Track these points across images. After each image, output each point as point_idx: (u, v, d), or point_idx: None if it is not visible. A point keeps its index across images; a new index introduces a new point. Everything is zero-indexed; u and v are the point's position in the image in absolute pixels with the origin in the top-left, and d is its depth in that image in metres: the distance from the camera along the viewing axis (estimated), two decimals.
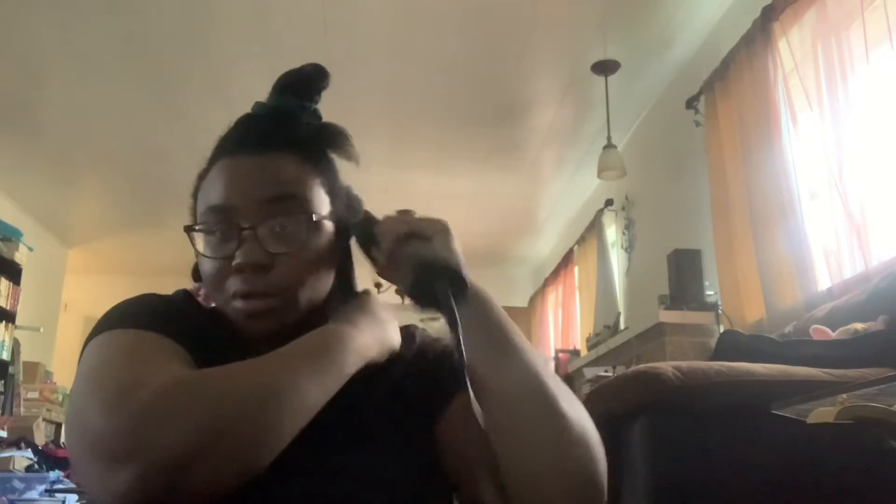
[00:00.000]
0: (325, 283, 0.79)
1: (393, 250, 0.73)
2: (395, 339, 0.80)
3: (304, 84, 0.82)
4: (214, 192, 0.76)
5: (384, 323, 0.79)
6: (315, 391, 0.65)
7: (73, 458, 0.62)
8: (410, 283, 0.70)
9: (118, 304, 0.75)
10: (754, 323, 2.82)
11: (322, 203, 0.78)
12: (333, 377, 0.68)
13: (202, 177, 0.79)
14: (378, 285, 0.80)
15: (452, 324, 0.69)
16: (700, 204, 3.50)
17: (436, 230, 0.73)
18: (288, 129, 0.79)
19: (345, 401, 0.70)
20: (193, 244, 0.77)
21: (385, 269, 0.76)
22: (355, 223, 0.81)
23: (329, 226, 0.79)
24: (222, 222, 0.75)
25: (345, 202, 0.83)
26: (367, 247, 0.79)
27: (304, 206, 0.76)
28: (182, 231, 0.78)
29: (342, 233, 0.81)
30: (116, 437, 0.57)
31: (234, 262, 0.73)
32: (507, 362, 0.71)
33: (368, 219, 0.81)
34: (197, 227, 0.77)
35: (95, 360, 0.67)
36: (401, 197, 5.73)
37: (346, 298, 0.83)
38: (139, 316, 0.72)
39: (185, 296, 0.81)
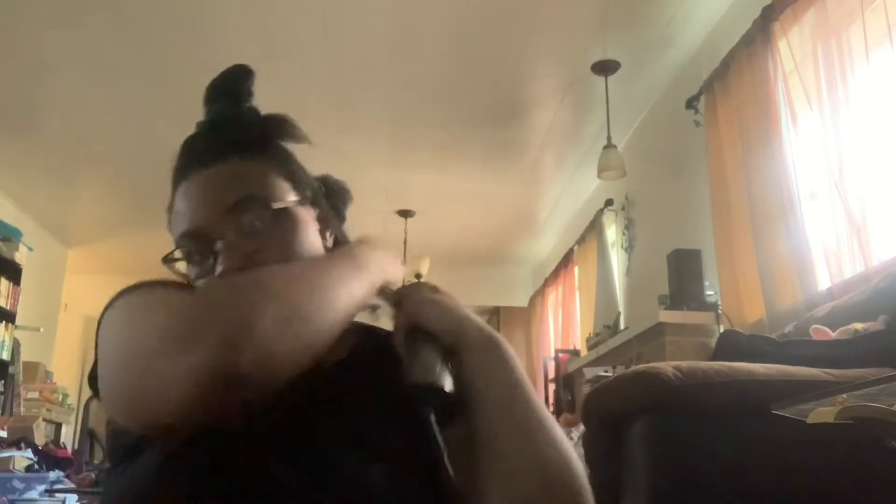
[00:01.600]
0: None
1: (410, 331, 0.76)
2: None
3: (229, 87, 0.83)
4: (180, 219, 0.77)
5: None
6: (349, 291, 0.69)
7: (114, 386, 0.63)
8: (409, 387, 0.72)
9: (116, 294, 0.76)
10: (754, 323, 2.82)
11: (283, 191, 0.78)
12: (363, 283, 0.72)
13: (169, 209, 0.81)
14: (374, 308, 0.82)
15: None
16: (700, 204, 3.50)
17: (446, 325, 0.75)
18: (227, 134, 0.80)
19: (350, 406, 0.72)
20: (173, 273, 0.78)
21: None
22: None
23: (300, 211, 0.79)
24: (196, 245, 0.76)
25: (311, 184, 0.84)
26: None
27: (263, 200, 0.76)
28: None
29: (321, 214, 0.82)
30: (184, 323, 0.58)
31: (216, 274, 0.74)
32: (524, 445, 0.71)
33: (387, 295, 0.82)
34: (174, 258, 0.78)
35: (127, 309, 0.69)
36: (401, 197, 5.75)
37: None
38: (147, 284, 0.74)
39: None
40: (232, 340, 0.55)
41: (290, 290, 0.63)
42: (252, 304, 0.58)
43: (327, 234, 0.83)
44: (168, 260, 0.77)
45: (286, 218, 0.77)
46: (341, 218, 0.90)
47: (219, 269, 0.74)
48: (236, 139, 0.79)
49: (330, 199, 0.88)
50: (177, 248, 0.77)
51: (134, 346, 0.61)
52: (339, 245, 0.84)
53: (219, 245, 0.74)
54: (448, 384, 0.71)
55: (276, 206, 0.76)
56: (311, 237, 0.79)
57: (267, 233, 0.75)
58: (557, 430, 0.72)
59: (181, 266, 0.78)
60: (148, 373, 0.57)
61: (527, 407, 0.72)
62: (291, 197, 0.79)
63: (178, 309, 0.60)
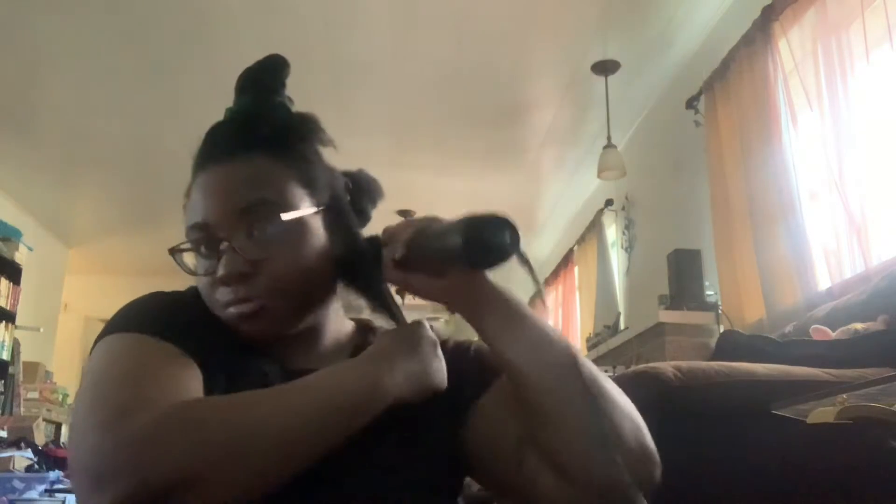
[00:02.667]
0: (320, 275, 0.78)
1: (412, 241, 0.71)
2: (438, 380, 0.75)
3: (262, 78, 0.82)
4: (192, 210, 0.77)
5: (427, 359, 0.75)
6: (322, 441, 0.65)
7: (69, 470, 0.64)
8: (461, 248, 0.65)
9: (127, 304, 0.75)
10: (754, 323, 2.81)
11: (298, 199, 0.77)
12: (345, 427, 0.67)
13: (186, 194, 0.80)
14: (402, 294, 0.79)
15: (526, 265, 0.68)
16: (700, 204, 3.50)
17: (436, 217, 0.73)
18: (253, 129, 0.78)
19: None
20: (179, 264, 0.77)
21: (405, 276, 0.73)
22: (356, 254, 0.79)
23: (312, 219, 0.78)
24: (202, 239, 0.76)
25: (331, 189, 0.82)
26: (378, 264, 0.76)
27: (275, 209, 0.75)
28: (182, 231, 0.79)
29: (335, 220, 0.80)
30: (104, 458, 0.57)
31: (217, 276, 0.74)
32: (537, 346, 0.71)
33: (369, 240, 0.79)
34: (181, 247, 0.77)
35: (99, 367, 0.67)
36: (401, 197, 5.75)
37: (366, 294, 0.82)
38: (147, 320, 0.72)
39: (196, 293, 0.80)
40: (150, 499, 0.56)
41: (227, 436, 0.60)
42: (171, 452, 0.57)
43: (336, 240, 0.81)
44: (175, 251, 0.77)
45: (296, 229, 0.76)
46: (365, 217, 0.87)
47: (220, 271, 0.73)
48: (260, 135, 0.78)
49: (356, 196, 0.86)
50: (186, 241, 0.77)
51: (76, 451, 0.61)
52: (348, 247, 0.81)
53: (224, 246, 0.74)
54: None
55: (288, 217, 0.75)
56: (318, 248, 0.77)
57: (275, 242, 0.74)
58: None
59: (188, 258, 0.78)
60: (77, 493, 0.60)
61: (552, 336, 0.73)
62: (306, 205, 0.77)
63: (113, 434, 0.59)
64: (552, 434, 0.69)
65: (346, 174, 0.87)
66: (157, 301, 0.76)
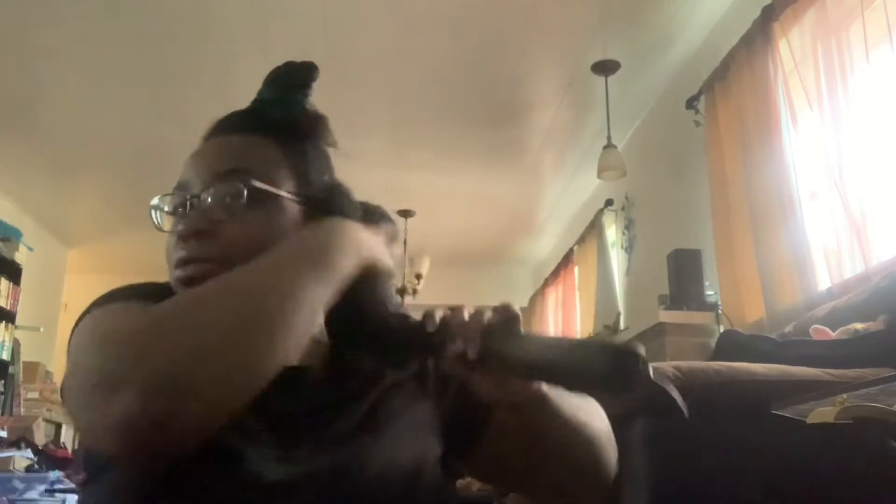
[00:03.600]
0: None
1: (490, 345, 0.65)
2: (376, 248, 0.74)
3: (288, 76, 0.82)
4: (181, 175, 0.78)
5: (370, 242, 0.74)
6: (309, 301, 0.63)
7: (72, 408, 0.62)
8: (607, 374, 0.61)
9: (98, 297, 0.76)
10: (754, 323, 2.81)
11: (281, 180, 0.76)
12: (330, 282, 0.66)
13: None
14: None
15: (670, 408, 0.63)
16: (700, 204, 3.50)
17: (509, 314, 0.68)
18: (260, 115, 0.80)
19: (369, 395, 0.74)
20: (154, 220, 0.78)
21: (468, 371, 0.67)
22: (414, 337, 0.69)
23: (290, 205, 0.76)
24: (179, 198, 0.77)
25: (324, 192, 0.80)
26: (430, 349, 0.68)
27: (251, 177, 0.74)
28: None
29: (317, 219, 0.78)
30: (115, 364, 0.57)
31: (177, 230, 0.75)
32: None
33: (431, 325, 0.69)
34: (159, 204, 0.78)
35: (87, 328, 0.69)
36: (401, 197, 5.75)
37: None
38: (121, 295, 0.73)
39: (166, 285, 0.78)
40: (154, 388, 0.55)
41: (224, 321, 0.59)
42: (177, 345, 0.57)
43: None
44: (155, 206, 0.78)
45: (268, 204, 0.75)
46: None
47: (179, 227, 0.74)
48: (266, 120, 0.79)
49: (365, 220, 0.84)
50: (166, 195, 0.78)
51: (80, 379, 0.62)
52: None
53: (190, 200, 0.75)
54: None
55: (259, 185, 0.74)
56: (286, 231, 0.75)
57: (241, 209, 0.73)
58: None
59: (160, 216, 0.78)
60: (87, 409, 0.58)
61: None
62: (286, 186, 0.77)
63: (114, 345, 0.60)
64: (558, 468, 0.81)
65: (364, 204, 0.86)
66: (133, 286, 0.77)
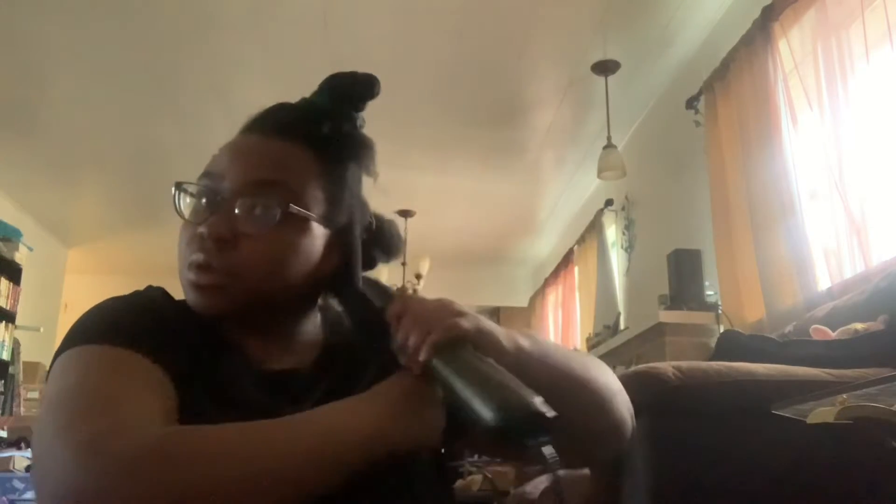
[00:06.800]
0: (291, 281, 0.75)
1: (425, 363, 0.63)
2: (433, 438, 0.68)
3: (349, 88, 0.80)
4: (215, 161, 0.76)
5: (422, 410, 0.67)
6: (311, 483, 0.59)
7: (36, 495, 0.58)
8: (487, 427, 0.55)
9: (87, 312, 0.71)
10: (754, 323, 2.81)
11: (314, 202, 0.75)
12: (331, 476, 0.60)
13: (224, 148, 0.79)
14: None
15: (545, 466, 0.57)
16: (700, 204, 3.50)
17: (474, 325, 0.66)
18: (311, 124, 0.77)
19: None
20: (175, 201, 0.75)
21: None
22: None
23: (316, 228, 0.75)
24: (210, 189, 0.74)
25: (349, 218, 0.79)
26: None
27: (288, 196, 0.73)
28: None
29: (337, 246, 0.78)
30: (79, 489, 0.53)
31: (198, 230, 0.72)
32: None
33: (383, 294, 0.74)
34: (187, 188, 0.76)
35: (63, 387, 0.62)
36: (401, 197, 5.75)
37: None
38: (111, 328, 0.67)
39: (157, 292, 0.77)
40: None
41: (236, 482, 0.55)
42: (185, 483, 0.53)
43: (333, 257, 0.78)
44: (180, 187, 0.76)
45: (296, 227, 0.74)
46: (370, 263, 0.85)
47: (201, 229, 0.71)
48: (315, 132, 0.77)
49: (373, 240, 0.85)
50: (195, 183, 0.75)
51: (47, 463, 0.57)
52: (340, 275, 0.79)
53: (221, 203, 0.72)
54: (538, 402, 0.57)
55: (293, 209, 0.73)
56: (306, 256, 0.75)
57: (269, 225, 0.72)
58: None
59: (185, 200, 0.76)
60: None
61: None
62: (318, 209, 0.75)
63: (83, 470, 0.54)
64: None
65: (377, 216, 0.86)
66: (119, 307, 0.72)
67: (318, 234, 0.76)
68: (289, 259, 0.73)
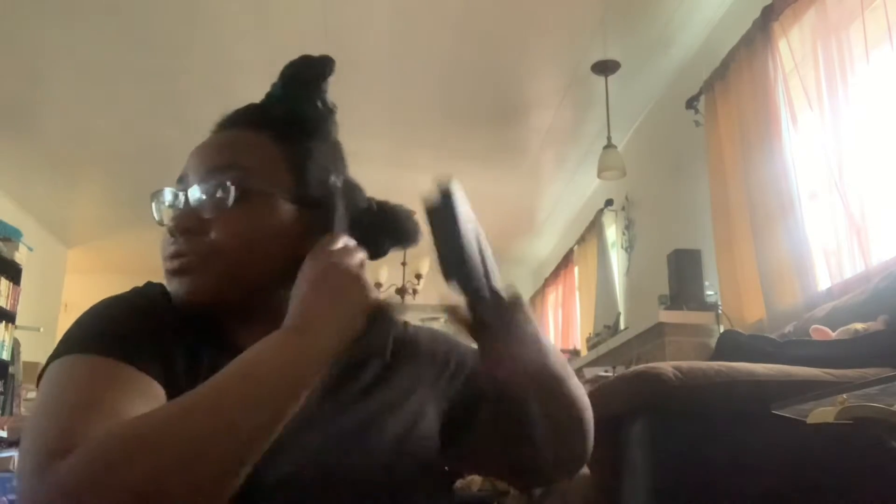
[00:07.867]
0: (269, 260, 0.75)
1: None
2: (360, 313, 0.71)
3: (301, 70, 0.81)
4: (183, 167, 0.79)
5: (346, 297, 0.70)
6: (262, 427, 0.59)
7: (24, 477, 0.57)
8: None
9: (81, 317, 0.71)
10: (754, 323, 2.81)
11: (276, 180, 0.76)
12: (284, 405, 0.61)
13: None
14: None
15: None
16: (700, 204, 3.50)
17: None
18: (265, 111, 0.80)
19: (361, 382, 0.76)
20: (153, 210, 0.78)
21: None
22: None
23: (284, 204, 0.75)
24: (175, 191, 0.77)
25: (325, 194, 0.79)
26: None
27: (246, 176, 0.74)
28: None
29: (314, 219, 0.77)
30: (78, 476, 0.53)
31: (167, 226, 0.76)
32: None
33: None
34: (157, 193, 0.79)
35: (43, 398, 0.63)
36: (401, 197, 5.73)
37: None
38: (100, 337, 0.67)
39: (158, 291, 0.77)
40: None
41: (198, 439, 0.55)
42: (147, 464, 0.53)
43: (315, 235, 0.75)
44: (154, 195, 0.79)
45: (258, 202, 0.74)
46: (378, 251, 0.86)
47: (168, 224, 0.75)
48: (270, 117, 0.79)
49: (375, 225, 0.85)
50: (167, 189, 0.78)
51: (19, 478, 0.57)
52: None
53: (181, 196, 0.76)
54: None
55: (249, 186, 0.74)
56: (279, 234, 0.75)
57: (230, 207, 0.73)
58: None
59: (160, 209, 0.78)
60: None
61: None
62: (282, 186, 0.76)
63: (39, 487, 0.54)
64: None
65: (381, 203, 0.87)
66: (115, 312, 0.71)
67: (287, 209, 0.76)
68: (257, 236, 0.74)
